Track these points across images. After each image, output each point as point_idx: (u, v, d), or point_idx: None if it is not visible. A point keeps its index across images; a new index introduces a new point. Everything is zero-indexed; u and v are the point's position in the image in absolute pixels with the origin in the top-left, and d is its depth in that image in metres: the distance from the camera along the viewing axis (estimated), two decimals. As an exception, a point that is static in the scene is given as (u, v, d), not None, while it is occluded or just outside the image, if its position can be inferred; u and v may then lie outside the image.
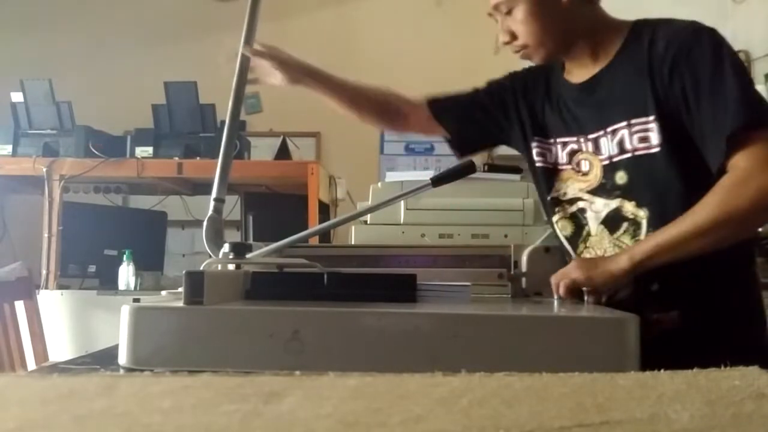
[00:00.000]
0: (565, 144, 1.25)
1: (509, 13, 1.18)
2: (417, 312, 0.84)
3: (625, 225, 1.17)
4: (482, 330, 0.77)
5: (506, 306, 1.05)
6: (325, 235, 2.94)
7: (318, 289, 0.92)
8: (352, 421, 0.43)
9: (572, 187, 1.24)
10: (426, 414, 0.45)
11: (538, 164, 1.30)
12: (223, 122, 3.52)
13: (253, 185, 3.21)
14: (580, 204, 1.24)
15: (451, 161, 4.12)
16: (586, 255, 1.23)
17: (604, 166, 1.18)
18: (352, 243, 2.04)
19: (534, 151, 1.30)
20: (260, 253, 1.09)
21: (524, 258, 1.24)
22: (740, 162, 1.02)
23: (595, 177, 1.20)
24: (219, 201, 1.10)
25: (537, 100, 1.30)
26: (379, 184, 2.27)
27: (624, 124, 1.14)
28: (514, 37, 1.20)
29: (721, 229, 1.02)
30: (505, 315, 0.86)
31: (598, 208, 1.20)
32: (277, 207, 3.14)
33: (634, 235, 1.16)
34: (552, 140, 1.27)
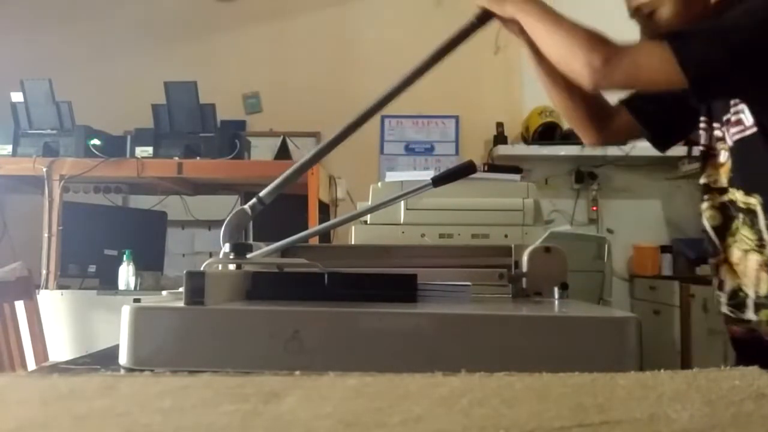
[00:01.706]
0: (713, 129, 1.18)
1: (651, 15, 1.12)
2: (417, 312, 0.84)
3: (741, 216, 1.11)
4: (482, 330, 0.77)
5: (506, 306, 1.05)
6: (325, 235, 2.94)
7: (318, 289, 0.92)
8: (352, 421, 0.43)
9: (724, 176, 1.16)
10: (426, 414, 0.45)
11: (700, 146, 1.23)
12: (223, 122, 3.52)
13: (253, 185, 3.20)
14: (730, 195, 1.16)
15: (451, 161, 4.15)
16: (735, 249, 1.15)
17: (731, 150, 1.12)
18: (352, 243, 2.04)
19: (700, 132, 1.23)
20: (260, 253, 1.09)
21: (524, 258, 1.24)
22: (644, 42, 1.02)
23: (727, 168, 1.13)
24: (261, 202, 1.08)
25: None
26: (379, 184, 2.27)
27: (731, 111, 1.08)
28: (644, 6, 1.13)
29: (554, 49, 1.08)
30: (505, 315, 0.86)
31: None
32: (277, 207, 3.14)
33: (752, 224, 1.09)
34: (712, 123, 1.19)
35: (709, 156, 1.19)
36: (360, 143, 4.19)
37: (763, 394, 0.49)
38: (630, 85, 1.05)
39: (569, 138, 3.85)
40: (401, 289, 0.94)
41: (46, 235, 2.91)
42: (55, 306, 2.80)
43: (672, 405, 0.46)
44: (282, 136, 3.76)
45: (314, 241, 2.22)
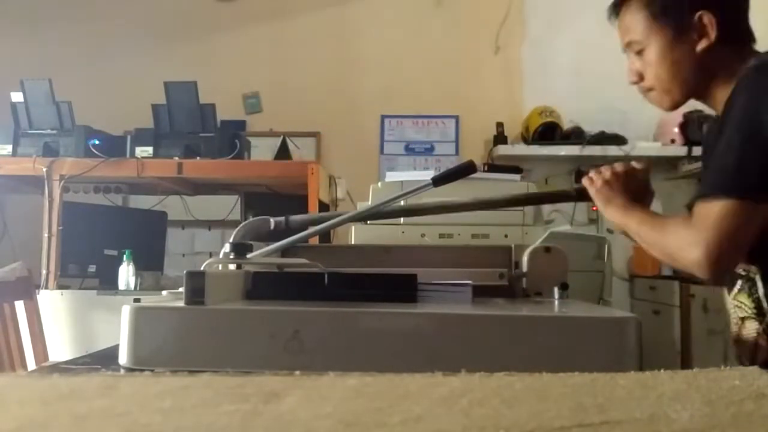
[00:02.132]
0: None
1: (640, 53, 1.14)
2: (417, 312, 0.84)
3: (739, 283, 1.12)
4: (482, 330, 0.77)
5: (506, 306, 1.05)
6: (325, 235, 2.94)
7: (318, 289, 0.92)
8: (352, 421, 0.43)
9: None
10: (426, 414, 0.45)
11: None
12: (223, 122, 3.52)
13: (253, 185, 3.21)
14: None
15: (451, 161, 4.16)
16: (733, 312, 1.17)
17: None
18: (352, 243, 2.04)
19: None
20: (261, 253, 1.09)
21: (524, 258, 1.24)
22: (698, 212, 1.02)
23: None
24: (287, 223, 1.09)
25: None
26: (379, 184, 2.27)
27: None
28: (641, 78, 1.16)
29: (654, 252, 1.13)
30: (505, 315, 0.86)
31: None
32: (277, 207, 3.14)
33: (750, 293, 1.10)
34: None
35: None
36: (360, 143, 4.21)
37: (763, 394, 0.49)
38: (736, 250, 1.02)
39: (569, 138, 3.85)
40: (401, 289, 0.94)
41: (46, 235, 2.91)
42: (55, 306, 2.80)
43: (672, 405, 0.46)
44: (282, 136, 3.76)
45: (314, 241, 2.22)
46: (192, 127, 3.02)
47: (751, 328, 1.11)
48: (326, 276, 0.93)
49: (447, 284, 0.99)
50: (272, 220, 1.08)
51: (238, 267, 0.99)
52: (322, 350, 0.75)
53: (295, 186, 3.06)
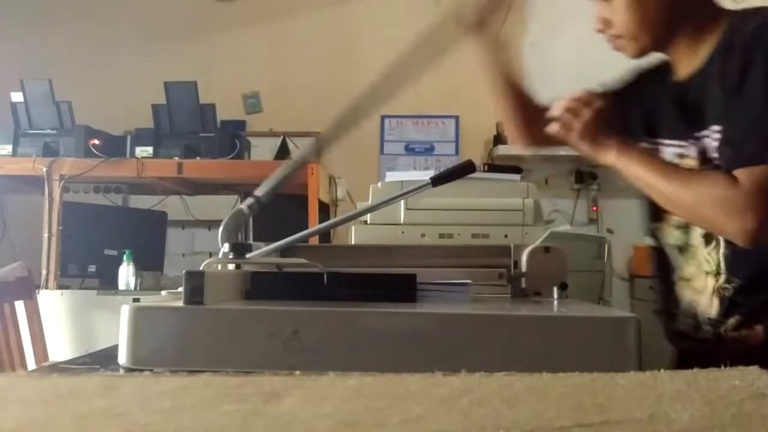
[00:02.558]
0: (670, 146, 1.19)
1: (608, 0, 1.12)
2: (417, 312, 0.84)
3: (714, 241, 1.13)
4: (482, 330, 0.77)
5: (506, 306, 1.05)
6: (325, 235, 2.94)
7: (318, 289, 0.92)
8: (352, 421, 0.43)
9: None
10: (426, 414, 0.45)
11: None
12: (223, 122, 3.53)
13: (253, 185, 3.19)
14: None
15: (451, 161, 4.15)
16: (689, 267, 1.18)
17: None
18: (352, 243, 2.04)
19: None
20: (260, 253, 1.09)
21: (524, 258, 1.24)
22: (744, 179, 1.00)
23: None
24: (258, 201, 1.08)
25: (654, 95, 1.23)
26: (379, 184, 2.27)
27: (707, 132, 1.09)
28: (608, 25, 1.14)
29: (682, 213, 1.10)
30: (505, 315, 0.86)
31: None
32: (277, 207, 3.14)
33: (717, 251, 1.12)
34: (660, 140, 1.21)
35: None
36: (360, 143, 4.20)
37: (763, 394, 0.49)
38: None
39: (569, 138, 3.84)
40: (401, 289, 0.94)
41: (46, 235, 2.91)
42: (55, 306, 2.80)
43: (672, 405, 0.46)
44: (282, 136, 3.76)
45: (314, 241, 2.22)
46: (192, 127, 3.02)
47: (710, 284, 1.13)
48: (326, 276, 0.93)
49: (447, 284, 0.99)
50: (245, 207, 1.08)
51: (238, 267, 0.99)
52: (322, 350, 0.75)
53: (295, 186, 3.06)
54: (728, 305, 1.11)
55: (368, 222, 2.10)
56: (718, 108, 1.06)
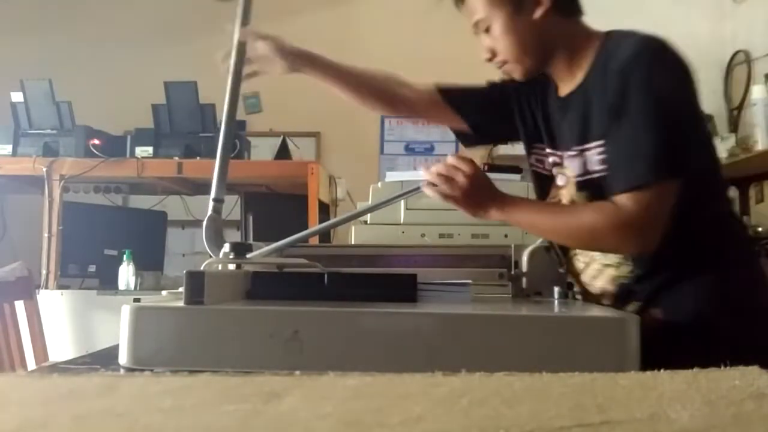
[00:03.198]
0: (551, 155, 1.26)
1: (488, 30, 1.21)
2: (417, 312, 0.84)
3: None
4: (482, 330, 0.77)
5: (506, 306, 1.05)
6: (325, 235, 2.94)
7: (318, 289, 0.92)
8: (352, 421, 0.43)
9: (566, 197, 1.26)
10: (426, 414, 0.45)
11: (533, 168, 1.33)
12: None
13: (253, 185, 3.20)
14: None
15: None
16: (577, 260, 1.26)
17: (576, 184, 1.20)
18: (352, 243, 2.04)
19: (532, 157, 1.33)
20: (260, 253, 1.09)
21: (524, 258, 1.24)
22: (626, 202, 1.05)
23: (569, 192, 1.22)
24: (218, 201, 1.10)
25: (536, 107, 1.30)
26: (379, 184, 2.26)
27: (587, 145, 1.15)
28: (494, 53, 1.22)
29: (578, 244, 1.19)
30: (505, 315, 0.86)
31: None
32: (277, 207, 3.15)
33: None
34: (544, 149, 1.29)
35: (551, 178, 1.28)
36: (360, 143, 4.21)
37: (763, 394, 0.49)
38: (658, 230, 1.06)
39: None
40: (401, 289, 0.94)
41: (46, 235, 2.91)
42: (55, 306, 2.80)
43: (672, 405, 0.46)
44: (282, 136, 3.76)
45: (314, 241, 2.22)
46: (192, 127, 3.02)
47: (606, 275, 1.20)
48: (326, 276, 0.93)
49: (447, 284, 1.00)
50: (214, 213, 1.09)
51: (238, 267, 0.99)
52: (322, 350, 0.75)
53: (295, 186, 3.06)
54: (625, 292, 1.17)
55: (368, 222, 2.10)
56: (598, 126, 1.12)
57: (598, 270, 1.21)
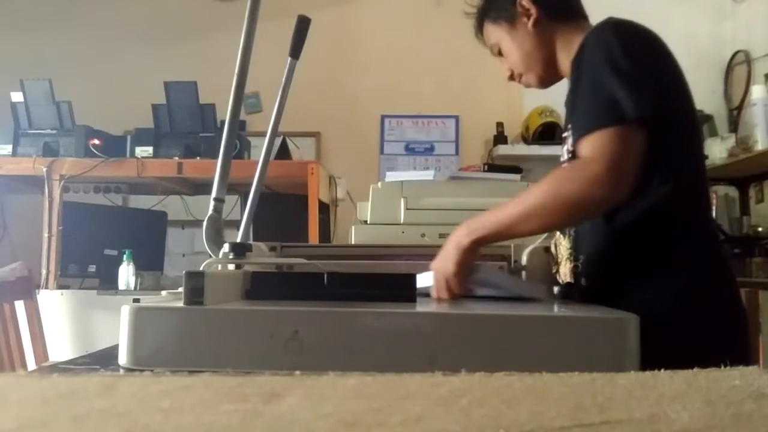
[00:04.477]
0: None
1: (500, 53, 1.34)
2: (417, 312, 0.84)
3: (567, 230, 1.22)
4: (482, 330, 0.77)
5: (506, 306, 1.05)
6: (325, 235, 2.94)
7: (318, 289, 0.92)
8: (352, 421, 0.43)
9: None
10: (426, 414, 0.45)
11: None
12: (223, 122, 3.53)
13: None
14: None
15: (451, 161, 4.14)
16: (559, 254, 1.27)
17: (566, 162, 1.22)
18: (352, 243, 2.04)
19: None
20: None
21: (524, 258, 1.24)
22: (581, 152, 1.06)
23: None
24: (219, 201, 1.10)
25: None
26: (379, 184, 2.27)
27: (567, 132, 1.20)
28: (512, 71, 1.34)
29: (551, 213, 1.06)
30: (505, 315, 0.86)
31: None
32: (277, 207, 3.15)
33: (569, 235, 1.21)
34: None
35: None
36: (360, 143, 4.21)
37: (763, 394, 0.49)
38: (628, 173, 1.04)
39: (569, 138, 3.84)
40: (401, 289, 0.94)
41: (46, 235, 2.91)
42: (55, 306, 2.80)
43: (672, 405, 0.46)
44: (282, 136, 3.76)
45: (314, 240, 2.22)
46: (192, 127, 3.02)
47: (567, 267, 1.22)
48: (326, 276, 0.93)
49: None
50: (214, 213, 1.09)
51: (238, 267, 0.99)
52: (322, 350, 0.75)
53: (295, 186, 3.06)
54: (577, 284, 1.19)
55: (368, 222, 2.10)
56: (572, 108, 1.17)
57: (564, 263, 1.24)
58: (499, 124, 4.10)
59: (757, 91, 3.21)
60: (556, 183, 1.06)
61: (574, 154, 1.10)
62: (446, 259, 1.09)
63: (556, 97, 3.90)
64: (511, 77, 1.35)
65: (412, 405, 0.47)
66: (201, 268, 0.86)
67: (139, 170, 2.94)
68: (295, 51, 1.34)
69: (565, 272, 1.23)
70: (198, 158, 2.98)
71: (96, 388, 0.53)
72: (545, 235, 1.67)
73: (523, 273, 1.22)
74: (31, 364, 2.47)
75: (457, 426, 0.42)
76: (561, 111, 3.87)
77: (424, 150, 4.22)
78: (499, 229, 1.08)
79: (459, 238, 1.10)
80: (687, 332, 1.04)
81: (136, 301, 0.84)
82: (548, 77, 1.31)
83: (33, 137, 3.04)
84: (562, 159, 1.25)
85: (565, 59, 1.25)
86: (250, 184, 1.32)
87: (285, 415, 0.45)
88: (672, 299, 1.07)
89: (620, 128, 1.03)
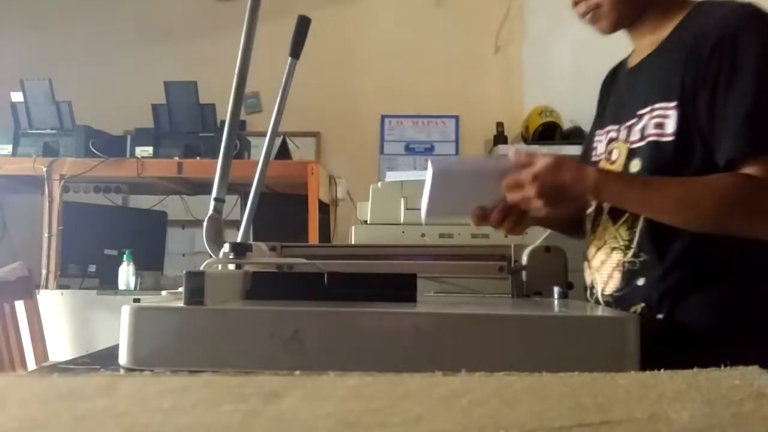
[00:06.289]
0: (608, 132, 1.19)
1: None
2: (417, 312, 0.84)
3: (625, 216, 1.11)
4: (482, 330, 0.77)
5: (506, 306, 1.05)
6: (325, 235, 2.94)
7: (318, 289, 0.92)
8: (352, 421, 0.43)
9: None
10: (426, 414, 0.45)
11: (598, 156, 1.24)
12: (223, 122, 3.53)
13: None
14: None
15: (451, 161, 4.09)
16: (594, 243, 1.18)
17: (628, 152, 1.12)
18: (352, 243, 2.04)
19: (595, 144, 1.26)
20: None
21: (524, 258, 1.24)
22: (753, 172, 0.97)
23: (619, 165, 1.13)
24: (219, 201, 1.10)
25: (605, 97, 1.27)
26: (379, 183, 2.27)
27: (648, 109, 1.08)
28: None
29: (682, 216, 1.00)
30: (505, 315, 0.86)
31: None
32: (277, 207, 3.15)
33: (632, 226, 1.10)
34: (604, 131, 1.22)
35: (596, 163, 1.20)
36: (360, 143, 4.21)
37: (763, 394, 0.49)
38: None
39: (569, 138, 3.85)
40: (401, 289, 0.94)
41: (46, 235, 2.91)
42: (55, 306, 2.80)
43: (672, 405, 0.46)
44: (282, 136, 3.76)
45: (314, 240, 2.22)
46: (192, 127, 3.02)
47: (614, 259, 1.11)
48: (326, 276, 0.93)
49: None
50: (215, 213, 1.09)
51: (238, 267, 0.99)
52: (322, 350, 0.75)
53: (295, 186, 3.06)
54: (630, 283, 1.09)
55: (368, 222, 2.10)
56: (665, 88, 1.06)
57: (607, 254, 1.14)
58: (499, 124, 4.10)
59: None
60: (726, 195, 0.98)
61: (731, 165, 1.00)
62: (555, 189, 1.00)
63: (556, 98, 3.92)
64: (576, 3, 1.17)
65: (412, 405, 0.47)
66: (201, 268, 0.86)
67: (139, 170, 2.94)
68: (295, 51, 1.33)
69: (602, 259, 1.14)
70: (198, 158, 2.98)
71: (96, 388, 0.53)
72: (546, 234, 1.66)
73: (523, 273, 1.22)
74: (31, 364, 2.47)
75: (457, 426, 0.42)
76: (561, 111, 3.88)
77: (424, 150, 4.22)
78: (628, 201, 1.04)
79: (585, 182, 1.01)
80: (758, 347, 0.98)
81: (136, 301, 0.84)
82: (621, 24, 1.16)
83: (33, 137, 3.04)
84: (612, 149, 1.15)
85: (652, 16, 1.13)
86: (250, 184, 1.32)
87: (285, 415, 0.45)
88: (745, 311, 1.03)
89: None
